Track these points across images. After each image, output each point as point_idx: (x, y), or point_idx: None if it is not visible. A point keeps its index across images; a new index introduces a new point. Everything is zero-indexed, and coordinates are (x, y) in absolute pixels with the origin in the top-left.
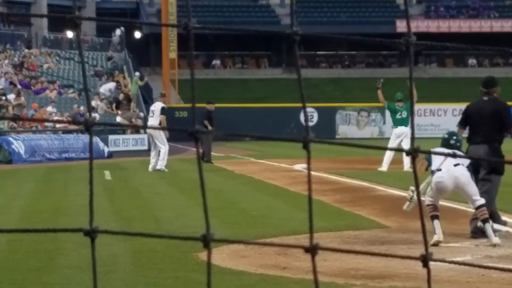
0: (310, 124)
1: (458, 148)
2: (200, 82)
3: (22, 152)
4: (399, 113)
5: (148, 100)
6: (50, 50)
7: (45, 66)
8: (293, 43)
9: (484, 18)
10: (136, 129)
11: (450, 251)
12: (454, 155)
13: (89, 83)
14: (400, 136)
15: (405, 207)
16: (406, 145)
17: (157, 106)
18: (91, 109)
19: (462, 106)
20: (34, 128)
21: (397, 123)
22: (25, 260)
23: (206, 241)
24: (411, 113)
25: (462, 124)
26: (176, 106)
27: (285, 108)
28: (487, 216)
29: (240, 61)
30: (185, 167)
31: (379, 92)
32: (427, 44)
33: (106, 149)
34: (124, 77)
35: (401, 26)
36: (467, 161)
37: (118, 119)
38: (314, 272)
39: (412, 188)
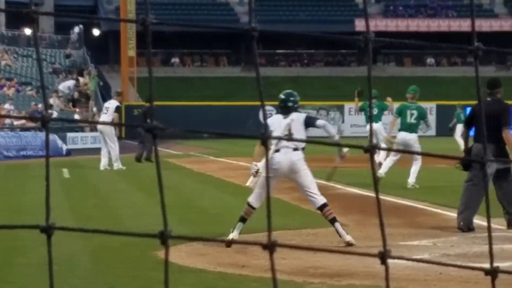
0: None
1: (296, 110)
2: (159, 80)
3: None
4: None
5: (106, 98)
6: (8, 47)
7: (3, 63)
8: (251, 39)
9: (442, 17)
10: (94, 127)
11: (408, 249)
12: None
13: (47, 80)
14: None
15: (248, 183)
16: (379, 141)
17: (111, 104)
18: (48, 105)
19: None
20: None
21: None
22: None
23: (164, 238)
24: (369, 111)
25: (468, 124)
26: (135, 104)
27: (244, 106)
28: (334, 215)
29: (199, 59)
30: (144, 165)
31: (356, 100)
32: (385, 41)
33: (64, 147)
34: (83, 75)
35: (360, 25)
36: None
37: (76, 116)
38: (272, 269)
39: (255, 162)
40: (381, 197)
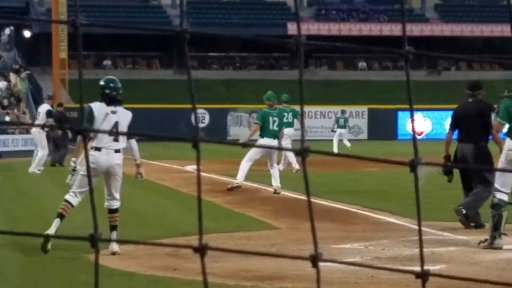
0: (202, 125)
1: (116, 97)
2: (90, 82)
3: None
4: (285, 117)
5: (38, 100)
6: None
7: None
8: (183, 41)
9: (374, 21)
10: (26, 129)
11: (340, 252)
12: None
13: None
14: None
15: (67, 180)
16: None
17: (43, 109)
18: None
19: (352, 108)
20: None
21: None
22: None
23: (94, 241)
24: (301, 114)
25: (452, 126)
26: (67, 106)
27: (176, 109)
28: (117, 223)
29: (131, 61)
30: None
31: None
32: (317, 44)
33: None
34: (13, 76)
35: (292, 28)
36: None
37: (7, 118)
38: (203, 272)
39: (74, 159)
40: (313, 200)
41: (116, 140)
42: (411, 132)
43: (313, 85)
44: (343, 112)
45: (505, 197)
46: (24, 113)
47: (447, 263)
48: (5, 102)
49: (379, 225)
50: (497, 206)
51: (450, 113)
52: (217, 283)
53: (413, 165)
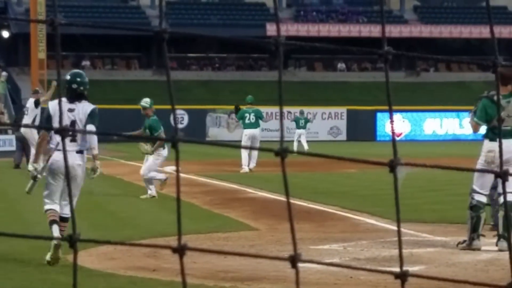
0: (180, 126)
1: (83, 95)
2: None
3: None
4: (247, 118)
5: (16, 101)
6: None
7: None
8: (162, 41)
9: (353, 23)
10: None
11: (319, 253)
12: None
13: None
14: (250, 138)
15: (27, 188)
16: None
17: (30, 103)
18: None
19: (331, 109)
20: None
21: (247, 126)
22: None
23: (72, 242)
24: (280, 116)
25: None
26: (45, 107)
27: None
28: (64, 233)
29: (110, 62)
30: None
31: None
32: (296, 44)
33: None
34: None
35: (271, 29)
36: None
37: None
38: (182, 272)
39: (36, 165)
40: (292, 201)
41: (73, 140)
42: (390, 133)
43: (292, 86)
44: (301, 112)
45: (483, 199)
46: (2, 113)
47: (425, 264)
48: None
49: (357, 226)
50: (476, 208)
51: (428, 114)
52: (196, 284)
53: (392, 166)
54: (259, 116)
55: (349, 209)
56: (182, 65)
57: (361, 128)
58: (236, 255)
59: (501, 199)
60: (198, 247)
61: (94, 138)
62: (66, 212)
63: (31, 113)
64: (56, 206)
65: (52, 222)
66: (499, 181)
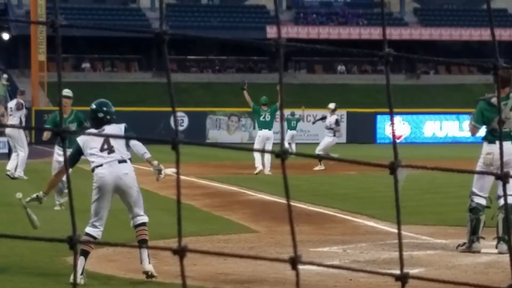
0: (181, 128)
1: (110, 122)
2: (69, 85)
3: None
4: (262, 116)
5: None
6: None
7: None
8: (162, 43)
9: (353, 25)
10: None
11: (319, 255)
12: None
13: None
14: (264, 140)
15: (27, 199)
16: (270, 148)
17: (12, 104)
18: None
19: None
20: None
21: (261, 125)
22: None
23: (72, 243)
24: (281, 117)
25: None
26: (46, 109)
27: (155, 112)
28: (145, 237)
29: (110, 64)
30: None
31: (245, 93)
32: (296, 46)
33: None
34: None
35: (271, 32)
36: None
37: None
38: (182, 274)
39: (21, 195)
40: (293, 203)
41: (111, 151)
42: (390, 136)
43: (291, 88)
44: (292, 114)
45: (483, 201)
46: (3, 115)
47: (425, 266)
48: None
49: (357, 229)
50: (475, 210)
51: (428, 116)
52: (196, 286)
53: (392, 168)
54: (274, 111)
55: (349, 212)
56: (182, 67)
57: (361, 130)
58: (236, 257)
59: (501, 202)
60: (198, 249)
61: (140, 145)
62: (138, 220)
63: (15, 114)
64: (99, 232)
65: (84, 252)
66: (499, 183)
